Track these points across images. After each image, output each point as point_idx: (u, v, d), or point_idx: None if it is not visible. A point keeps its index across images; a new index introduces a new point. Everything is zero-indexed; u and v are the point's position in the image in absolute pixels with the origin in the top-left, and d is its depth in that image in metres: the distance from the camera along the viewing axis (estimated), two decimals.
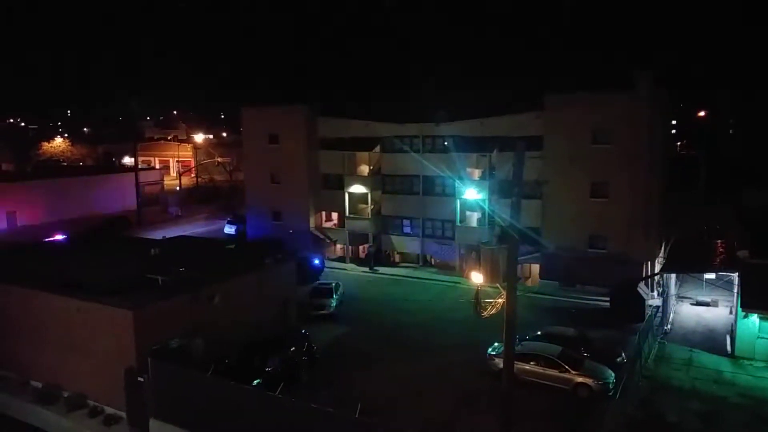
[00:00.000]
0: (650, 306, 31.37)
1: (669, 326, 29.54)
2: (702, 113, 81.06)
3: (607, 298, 32.05)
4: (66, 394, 21.77)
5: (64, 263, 26.58)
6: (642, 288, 31.81)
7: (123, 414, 20.40)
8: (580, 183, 35.23)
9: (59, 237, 41.04)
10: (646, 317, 29.46)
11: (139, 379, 19.69)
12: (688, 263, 31.79)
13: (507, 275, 16.20)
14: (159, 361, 19.53)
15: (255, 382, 21.03)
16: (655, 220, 35.40)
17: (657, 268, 34.25)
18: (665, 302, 30.30)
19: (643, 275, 33.53)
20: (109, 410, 20.77)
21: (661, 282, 31.85)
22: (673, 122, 58.80)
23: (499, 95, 41.27)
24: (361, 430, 15.88)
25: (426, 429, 16.94)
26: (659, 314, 29.99)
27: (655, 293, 33.74)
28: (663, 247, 38.01)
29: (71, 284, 22.51)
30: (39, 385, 22.51)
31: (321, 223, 46.57)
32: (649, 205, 34.31)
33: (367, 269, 42.02)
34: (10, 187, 56.63)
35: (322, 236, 45.42)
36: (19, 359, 23.37)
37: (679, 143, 75.74)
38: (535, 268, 38.04)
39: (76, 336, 21.52)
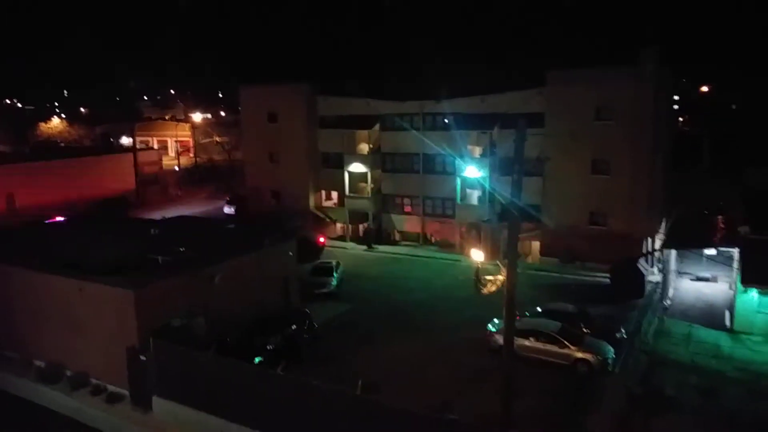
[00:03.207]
0: (650, 282, 31.45)
1: (669, 302, 29.65)
2: (705, 89, 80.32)
3: (608, 275, 32.10)
4: (69, 373, 21.92)
5: (64, 244, 26.56)
6: (642, 264, 31.86)
7: (126, 392, 20.56)
8: (581, 160, 35.06)
9: (59, 218, 41.01)
10: (646, 293, 29.56)
11: (141, 357, 19.80)
12: (688, 239, 31.79)
13: (508, 252, 16.15)
14: (161, 340, 19.62)
15: (256, 360, 21.17)
16: (657, 196, 35.31)
17: (658, 245, 34.26)
18: (665, 278, 30.38)
19: (644, 251, 33.55)
20: (112, 388, 20.93)
21: (662, 258, 31.87)
22: (676, 98, 58.30)
23: (500, 72, 40.90)
24: (362, 407, 15.98)
25: (426, 405, 17.05)
26: (659, 290, 30.08)
27: (656, 269, 33.80)
28: (664, 224, 37.99)
29: (73, 265, 22.52)
30: (42, 364, 22.67)
31: (321, 202, 46.49)
32: (650, 181, 34.18)
33: (366, 248, 42.06)
34: (9, 168, 56.40)
35: (321, 215, 45.36)
36: (23, 339, 23.48)
37: (681, 119, 75.21)
38: (536, 245, 38.06)
39: (78, 316, 21.58)
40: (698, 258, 34.08)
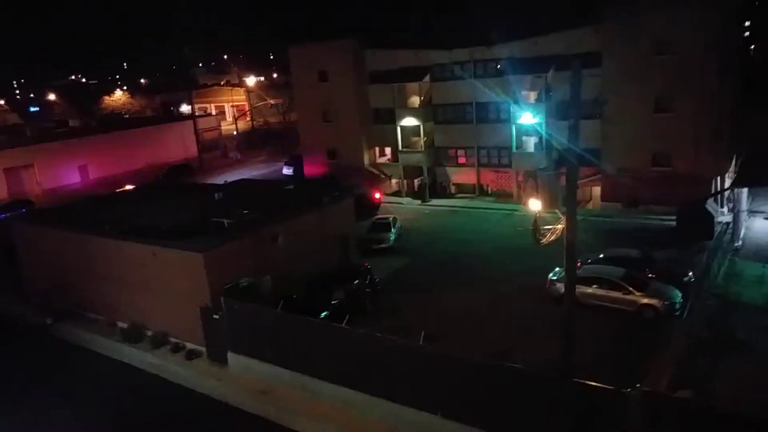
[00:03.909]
0: (720, 223, 30.20)
1: (740, 242, 28.46)
2: None
3: (673, 218, 31.02)
4: (149, 333, 23.52)
5: (136, 211, 28.05)
6: (711, 205, 30.54)
7: (203, 349, 21.91)
8: (642, 98, 33.50)
9: (129, 187, 43.12)
10: (716, 234, 28.46)
11: (215, 316, 20.95)
12: (761, 176, 30.12)
13: (566, 200, 15.91)
14: (231, 299, 20.66)
15: (322, 314, 21.98)
16: (726, 133, 33.45)
17: (728, 183, 32.68)
18: (736, 218, 29.07)
19: (712, 191, 32.13)
20: (190, 346, 22.34)
21: (732, 197, 30.45)
22: (747, 23, 54.18)
23: (553, 10, 39.01)
24: (426, 357, 16.45)
25: (487, 354, 17.35)
26: (729, 231, 28.87)
27: (725, 209, 32.38)
28: (734, 161, 36.08)
29: (145, 231, 23.82)
30: (125, 325, 24.39)
31: (375, 159, 46.67)
32: (718, 117, 32.37)
33: (421, 202, 42.18)
34: (80, 141, 59.38)
35: (376, 172, 45.62)
36: (106, 302, 25.27)
37: (753, 47, 69.93)
38: (596, 190, 37.07)
39: (154, 279, 22.96)
40: None
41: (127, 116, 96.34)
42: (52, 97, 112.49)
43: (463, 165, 42.53)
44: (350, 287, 24.36)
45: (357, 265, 26.94)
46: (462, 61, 40.29)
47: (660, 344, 19.78)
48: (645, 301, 21.88)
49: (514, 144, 39.15)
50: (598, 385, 13.76)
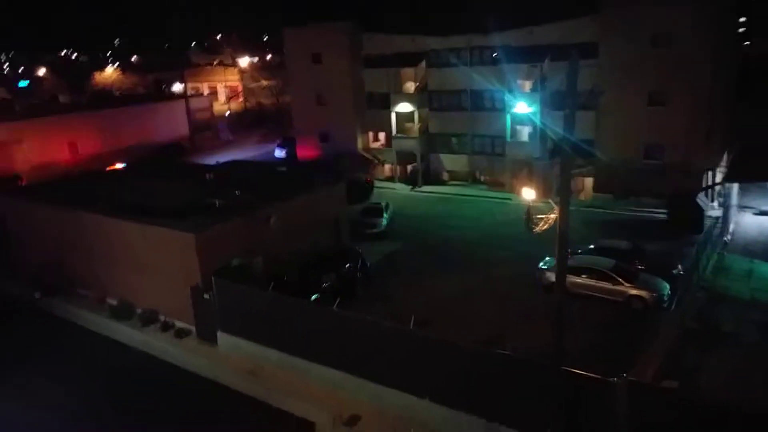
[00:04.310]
0: (710, 217, 30.46)
1: (729, 237, 28.74)
2: None
3: (664, 210, 31.24)
4: (139, 311, 23.45)
5: (127, 190, 27.82)
6: (701, 198, 30.78)
7: (192, 328, 21.90)
8: (637, 91, 33.59)
9: (120, 165, 42.73)
10: (705, 228, 28.71)
11: (205, 296, 20.91)
12: (752, 172, 30.36)
13: (560, 190, 15.92)
14: (222, 279, 20.61)
15: (313, 297, 21.99)
16: (718, 127, 33.67)
17: (719, 178, 32.92)
18: (726, 212, 29.34)
19: (703, 185, 32.35)
20: (179, 324, 22.31)
21: (723, 192, 30.69)
22: (742, 20, 54.22)
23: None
24: (416, 342, 16.53)
25: (477, 340, 17.47)
26: (719, 225, 29.13)
27: (716, 203, 32.65)
28: (726, 156, 36.32)
29: (137, 209, 23.65)
30: (114, 302, 24.28)
31: (368, 144, 46.52)
32: (711, 112, 32.52)
33: (417, 188, 42.16)
34: (70, 118, 58.58)
35: (369, 157, 45.49)
36: (96, 279, 25.14)
37: (748, 43, 70.06)
38: (588, 181, 37.22)
39: (145, 257, 22.83)
40: (762, 191, 32.65)
41: (118, 94, 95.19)
42: (41, 72, 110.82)
43: (456, 152, 42.33)
44: (341, 271, 24.39)
45: (349, 249, 26.93)
46: (458, 48, 40.11)
47: (648, 335, 20.01)
48: (634, 292, 22.09)
49: (508, 133, 39.13)
50: (586, 373, 13.91)
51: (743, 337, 19.78)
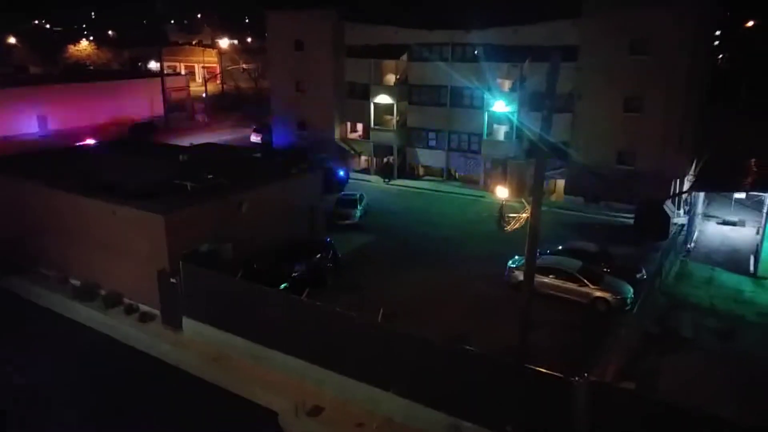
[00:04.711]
0: (675, 224, 31.19)
1: (692, 244, 29.47)
2: (750, 23, 75.90)
3: (632, 215, 31.86)
4: (103, 292, 23.02)
5: (97, 167, 27.21)
6: (668, 206, 31.51)
7: (157, 312, 21.59)
8: (613, 96, 34.07)
9: (90, 141, 41.77)
10: (670, 235, 29.38)
11: (172, 280, 20.62)
12: (718, 182, 31.17)
13: (533, 189, 16.12)
14: (190, 263, 20.35)
15: (282, 286, 21.88)
16: (689, 137, 34.41)
17: (686, 186, 33.70)
18: (691, 220, 30.06)
19: (671, 193, 33.08)
20: (144, 308, 21.99)
21: (689, 200, 31.43)
22: (717, 33, 55.45)
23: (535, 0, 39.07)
24: (382, 335, 16.59)
25: (444, 336, 17.62)
26: (683, 232, 29.85)
27: (682, 211, 33.42)
28: (694, 165, 37.18)
29: (106, 188, 23.16)
30: (77, 283, 23.79)
31: (346, 134, 46.32)
32: (683, 121, 33.20)
33: (391, 181, 42.20)
34: (40, 89, 57.00)
35: (346, 147, 45.32)
36: (60, 258, 24.59)
37: (721, 56, 71.65)
38: (560, 183, 37.73)
39: (112, 238, 22.40)
40: (726, 201, 33.52)
41: (92, 68, 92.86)
42: (12, 41, 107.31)
43: (433, 148, 42.50)
44: (312, 260, 24.30)
45: (320, 239, 26.86)
46: (441, 43, 40.12)
47: (610, 337, 20.41)
48: (598, 294, 22.52)
49: (485, 131, 39.36)
50: (549, 372, 14.15)
51: (701, 342, 20.35)
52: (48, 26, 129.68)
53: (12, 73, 78.55)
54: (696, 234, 30.73)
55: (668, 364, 18.95)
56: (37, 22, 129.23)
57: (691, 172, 36.36)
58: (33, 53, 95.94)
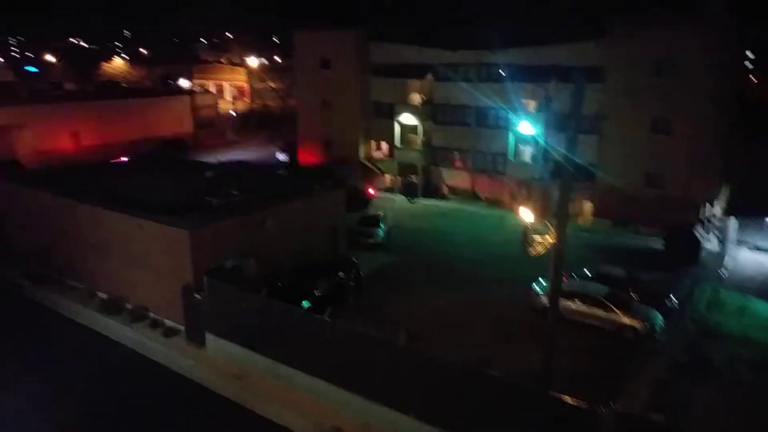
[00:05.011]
0: (706, 250, 30.42)
1: (725, 272, 28.68)
2: None
3: (662, 240, 31.20)
4: (129, 306, 23.26)
5: (127, 182, 27.71)
6: (699, 231, 30.77)
7: (181, 327, 21.71)
8: (640, 118, 33.65)
9: (123, 159, 42.62)
10: (701, 261, 28.66)
11: (196, 296, 20.74)
12: (751, 206, 30.39)
13: (558, 212, 15.88)
14: (214, 279, 20.46)
15: (304, 303, 21.84)
16: (720, 160, 33.72)
17: (718, 211, 32.93)
18: (723, 246, 29.32)
19: (702, 217, 32.35)
20: (168, 323, 22.12)
21: (721, 225, 30.68)
22: (748, 53, 54.47)
23: (559, 20, 38.98)
24: (404, 356, 16.39)
25: (466, 358, 17.34)
26: (715, 259, 29.08)
27: (713, 237, 32.62)
28: (726, 189, 36.37)
29: (134, 203, 23.51)
30: (105, 296, 24.09)
31: (371, 153, 46.50)
32: (714, 144, 32.58)
33: (415, 200, 42.13)
34: (75, 106, 58.34)
35: (371, 166, 45.46)
36: (88, 271, 24.96)
37: (752, 76, 70.43)
38: (588, 205, 37.20)
39: (138, 252, 22.68)
40: (760, 227, 32.62)
41: (125, 85, 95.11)
42: (50, 58, 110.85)
43: (458, 168, 42.44)
44: (335, 279, 24.24)
45: (344, 258, 26.82)
46: (467, 63, 40.20)
47: (637, 365, 19.89)
48: (626, 321, 21.98)
49: (511, 151, 39.14)
50: (573, 400, 13.78)
51: (733, 374, 19.66)
52: (84, 44, 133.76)
53: (47, 89, 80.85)
54: (728, 260, 29.92)
55: (699, 396, 18.32)
56: (74, 40, 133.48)
57: (723, 196, 35.57)
58: (69, 70, 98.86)
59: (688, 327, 22.66)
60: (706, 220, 32.49)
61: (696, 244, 29.65)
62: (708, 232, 32.68)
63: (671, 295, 24.42)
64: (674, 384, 18.93)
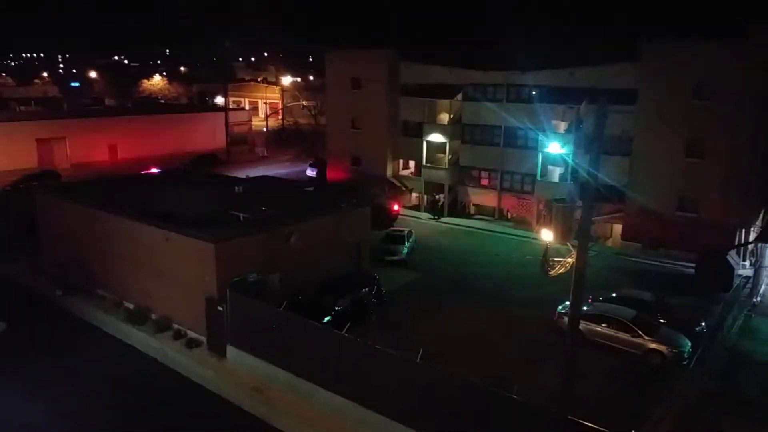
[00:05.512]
0: (739, 276, 29.50)
1: (758, 298, 27.78)
2: None
3: (693, 265, 30.41)
4: (154, 317, 23.69)
5: (157, 195, 28.39)
6: (732, 256, 29.89)
7: (204, 339, 21.99)
8: (673, 141, 33.03)
9: (154, 170, 43.73)
10: (734, 287, 27.80)
11: (219, 308, 21.02)
12: None
13: (580, 233, 15.69)
14: (237, 292, 20.72)
15: (325, 319, 21.91)
16: (755, 185, 32.80)
17: (752, 236, 31.99)
18: (757, 273, 28.41)
19: (736, 243, 31.45)
20: (191, 334, 22.44)
21: (755, 251, 29.78)
22: None
23: (591, 43, 38.86)
24: (423, 374, 16.27)
25: (486, 378, 17.11)
26: (749, 285, 28.20)
27: (747, 263, 31.65)
28: (761, 216, 35.32)
29: (163, 215, 24.06)
30: (131, 306, 24.60)
31: (398, 171, 46.69)
32: (749, 168, 31.75)
33: (441, 218, 42.04)
34: (113, 121, 60.44)
35: (398, 184, 45.60)
36: (116, 281, 25.56)
37: None
38: (617, 228, 36.57)
39: (164, 263, 23.14)
40: None
41: (163, 101, 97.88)
42: (93, 74, 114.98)
43: (485, 187, 42.29)
44: (356, 295, 24.28)
45: (366, 274, 26.87)
46: (495, 84, 40.23)
47: (663, 391, 19.32)
48: (653, 346, 21.42)
49: (539, 172, 38.84)
50: (594, 426, 13.44)
51: (766, 404, 18.93)
52: (126, 61, 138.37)
53: (89, 104, 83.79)
54: (763, 287, 28.96)
55: (728, 426, 17.68)
56: (116, 57, 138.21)
57: (758, 222, 34.56)
58: (111, 86, 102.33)
59: (718, 354, 21.95)
60: (740, 246, 31.57)
61: (728, 270, 28.78)
62: (742, 258, 31.74)
63: (701, 321, 23.74)
64: (703, 413, 18.32)
